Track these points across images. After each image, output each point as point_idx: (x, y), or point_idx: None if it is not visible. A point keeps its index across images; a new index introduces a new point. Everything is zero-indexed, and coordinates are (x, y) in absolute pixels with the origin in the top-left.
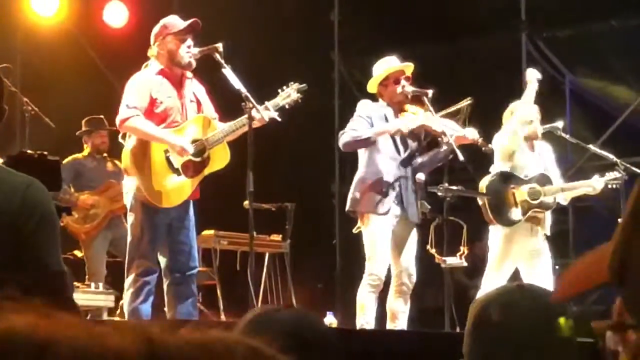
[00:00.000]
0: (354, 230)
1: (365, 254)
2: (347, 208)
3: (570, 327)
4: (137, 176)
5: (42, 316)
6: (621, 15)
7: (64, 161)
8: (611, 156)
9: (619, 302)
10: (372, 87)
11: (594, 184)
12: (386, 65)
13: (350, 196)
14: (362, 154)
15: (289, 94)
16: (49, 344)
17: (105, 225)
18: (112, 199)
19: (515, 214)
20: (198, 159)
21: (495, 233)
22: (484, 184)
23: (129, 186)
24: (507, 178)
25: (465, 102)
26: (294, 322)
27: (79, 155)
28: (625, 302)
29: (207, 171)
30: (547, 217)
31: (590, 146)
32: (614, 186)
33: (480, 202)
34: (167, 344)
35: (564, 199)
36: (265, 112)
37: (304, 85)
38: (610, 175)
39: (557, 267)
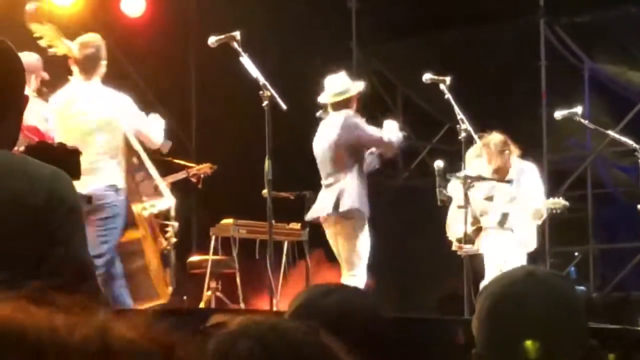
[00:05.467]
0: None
1: (359, 257)
2: (350, 207)
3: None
4: None
5: (16, 308)
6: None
7: None
8: (630, 142)
9: None
10: (340, 98)
11: (535, 206)
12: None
13: (351, 202)
14: (353, 159)
15: None
16: (17, 335)
17: None
18: (146, 193)
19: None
20: None
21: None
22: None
23: None
24: None
25: None
26: (338, 309)
27: None
28: None
29: None
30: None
31: (610, 132)
32: (557, 211)
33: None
34: (121, 339)
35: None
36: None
37: None
38: (552, 201)
39: (576, 254)
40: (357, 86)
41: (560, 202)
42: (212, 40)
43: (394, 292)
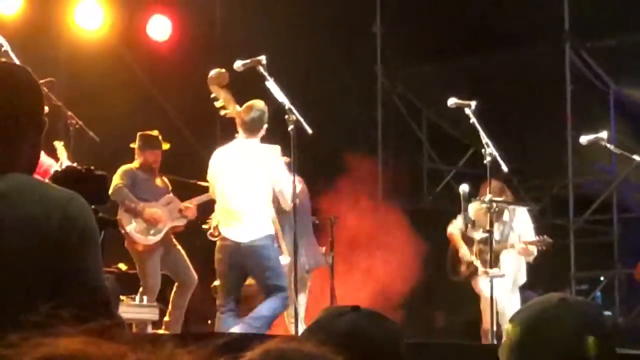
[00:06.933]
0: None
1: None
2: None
3: (597, 346)
4: None
5: (88, 343)
6: None
7: (124, 168)
8: None
9: None
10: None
11: (516, 246)
12: None
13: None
14: None
15: None
16: None
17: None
18: (173, 216)
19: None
20: None
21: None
22: None
23: None
24: None
25: None
26: (348, 331)
27: (132, 166)
28: None
29: None
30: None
31: (636, 156)
32: (542, 248)
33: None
34: None
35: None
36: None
37: None
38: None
39: (602, 278)
40: None
41: (545, 240)
42: (238, 64)
43: (418, 316)
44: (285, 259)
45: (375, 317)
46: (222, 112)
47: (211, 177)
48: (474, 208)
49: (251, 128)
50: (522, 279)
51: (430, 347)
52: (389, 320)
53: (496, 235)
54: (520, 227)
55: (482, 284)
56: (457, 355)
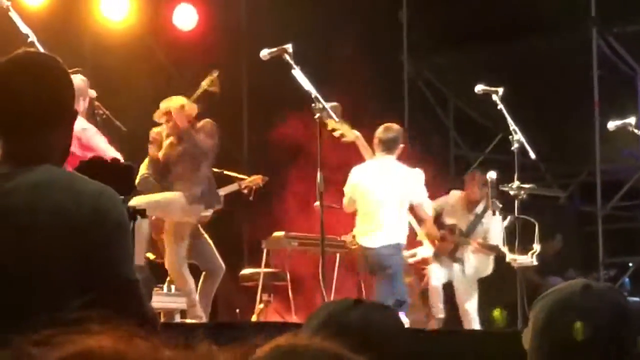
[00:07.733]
0: None
1: None
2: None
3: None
4: None
5: (119, 340)
6: None
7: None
8: None
9: None
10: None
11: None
12: None
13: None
14: None
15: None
16: None
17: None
18: None
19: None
20: None
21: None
22: None
23: None
24: None
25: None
26: (362, 323)
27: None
28: None
29: None
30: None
31: None
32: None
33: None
34: None
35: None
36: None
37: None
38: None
39: (630, 264)
40: None
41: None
42: (264, 53)
43: (447, 304)
44: (426, 251)
45: (382, 308)
46: (343, 140)
47: (352, 192)
48: (455, 196)
49: (388, 147)
50: (486, 271)
51: (461, 335)
52: (392, 310)
53: (462, 225)
54: (488, 225)
55: (432, 270)
56: (490, 343)
